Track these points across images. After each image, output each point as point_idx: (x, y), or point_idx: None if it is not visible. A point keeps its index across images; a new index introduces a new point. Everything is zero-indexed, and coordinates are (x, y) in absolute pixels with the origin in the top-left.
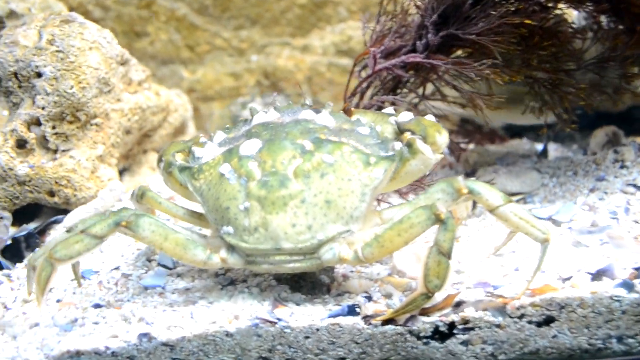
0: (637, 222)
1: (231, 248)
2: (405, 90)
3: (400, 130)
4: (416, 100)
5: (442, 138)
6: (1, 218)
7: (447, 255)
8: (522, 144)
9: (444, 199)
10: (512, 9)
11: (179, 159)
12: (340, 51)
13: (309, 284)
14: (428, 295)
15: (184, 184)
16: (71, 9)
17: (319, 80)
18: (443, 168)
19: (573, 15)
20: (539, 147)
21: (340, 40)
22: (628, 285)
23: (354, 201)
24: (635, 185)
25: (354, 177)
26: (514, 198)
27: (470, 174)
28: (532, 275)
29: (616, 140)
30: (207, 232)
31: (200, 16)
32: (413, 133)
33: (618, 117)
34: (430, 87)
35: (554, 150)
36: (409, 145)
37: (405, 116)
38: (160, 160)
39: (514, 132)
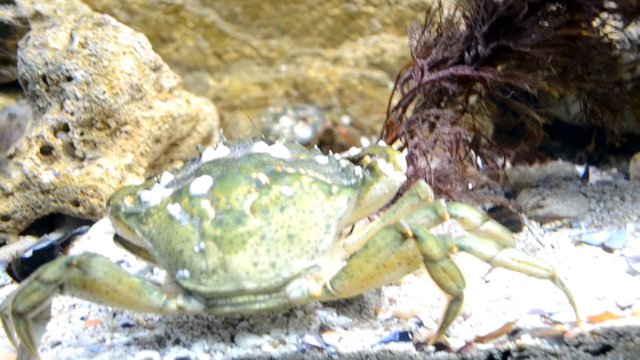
0: None
1: (188, 293)
2: (449, 103)
3: (355, 162)
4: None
5: (402, 159)
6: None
7: (444, 257)
8: (563, 167)
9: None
10: (567, 20)
11: (128, 202)
12: (373, 64)
13: (356, 306)
14: (458, 298)
15: (133, 229)
16: (96, 11)
17: (350, 93)
18: (482, 188)
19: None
20: (580, 169)
21: (373, 53)
22: None
23: (318, 234)
24: None
25: (317, 209)
26: (559, 222)
27: (510, 194)
28: (574, 309)
29: None
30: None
31: (229, 23)
32: (372, 156)
33: None
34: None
35: (592, 173)
36: (371, 168)
37: (355, 150)
38: (108, 204)
39: (547, 151)
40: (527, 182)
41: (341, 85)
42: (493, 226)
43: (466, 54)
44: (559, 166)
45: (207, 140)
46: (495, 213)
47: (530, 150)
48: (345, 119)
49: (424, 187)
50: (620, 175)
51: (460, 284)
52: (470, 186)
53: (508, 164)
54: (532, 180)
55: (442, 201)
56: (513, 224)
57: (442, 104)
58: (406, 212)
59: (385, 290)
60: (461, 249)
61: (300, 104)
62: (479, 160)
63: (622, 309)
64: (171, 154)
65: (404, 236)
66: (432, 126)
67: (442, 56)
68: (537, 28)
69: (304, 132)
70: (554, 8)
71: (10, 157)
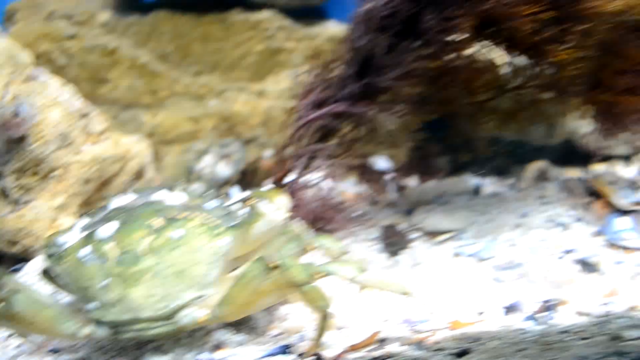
0: (551, 256)
1: (97, 322)
2: (336, 137)
3: (245, 203)
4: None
5: (283, 199)
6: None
7: (308, 282)
8: (458, 181)
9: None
10: (425, 53)
11: (54, 243)
12: (295, 96)
13: (251, 324)
14: (326, 315)
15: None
16: (37, 56)
17: (274, 124)
18: (386, 207)
19: None
20: (481, 182)
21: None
22: (535, 318)
23: (204, 269)
24: (553, 221)
25: (203, 248)
26: (446, 236)
27: (408, 212)
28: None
29: (545, 175)
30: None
31: (161, 63)
32: (257, 198)
33: (553, 151)
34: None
35: (491, 184)
36: (254, 209)
37: (245, 193)
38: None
39: (458, 165)
40: (424, 198)
41: (265, 117)
42: (350, 258)
43: (343, 92)
44: (456, 181)
45: (139, 175)
46: (385, 232)
47: (429, 167)
48: (267, 152)
49: (294, 226)
50: (515, 185)
51: (325, 303)
52: (357, 212)
53: (415, 182)
54: (428, 197)
55: (308, 233)
56: (399, 242)
57: (331, 138)
58: (281, 245)
59: (278, 308)
60: (327, 273)
61: (225, 141)
62: (385, 184)
63: (479, 314)
64: (103, 192)
65: (271, 266)
66: (315, 160)
67: (324, 95)
68: (397, 62)
69: (225, 169)
70: (414, 44)
71: None
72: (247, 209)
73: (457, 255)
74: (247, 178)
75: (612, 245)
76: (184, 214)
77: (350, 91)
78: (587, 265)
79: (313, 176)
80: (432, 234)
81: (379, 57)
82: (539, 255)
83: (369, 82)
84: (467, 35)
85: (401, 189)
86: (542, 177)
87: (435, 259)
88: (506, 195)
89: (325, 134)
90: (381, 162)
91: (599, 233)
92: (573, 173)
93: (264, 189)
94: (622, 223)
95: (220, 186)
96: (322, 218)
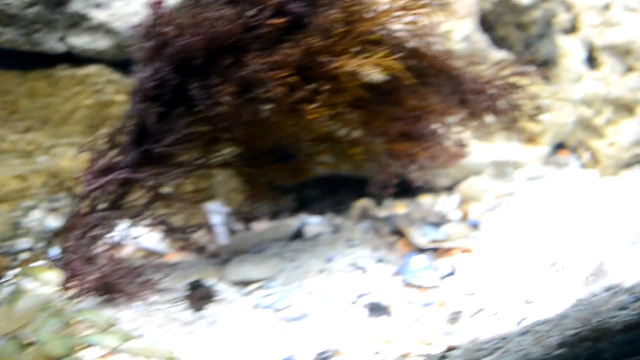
0: (344, 302)
1: None
2: (130, 200)
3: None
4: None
5: (50, 274)
6: None
7: (67, 355)
8: (283, 225)
9: None
10: (197, 118)
11: None
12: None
13: None
14: None
15: None
16: None
17: None
18: (210, 258)
19: None
20: (303, 223)
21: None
22: None
23: None
24: (355, 265)
25: None
26: (254, 286)
27: (226, 261)
28: None
29: (367, 213)
30: None
31: None
32: (23, 275)
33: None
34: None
35: (317, 225)
36: (17, 286)
37: (14, 271)
38: None
39: (300, 204)
40: (243, 246)
41: None
42: (117, 329)
43: (127, 159)
44: (279, 225)
45: None
46: (191, 287)
47: (257, 211)
48: None
49: (54, 302)
50: (341, 225)
51: None
52: (155, 273)
53: (242, 226)
54: (246, 245)
55: (70, 310)
56: (204, 297)
57: (124, 201)
58: (44, 321)
59: None
60: (88, 344)
61: (56, 196)
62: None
63: None
64: None
65: (25, 344)
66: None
67: (114, 161)
68: (171, 129)
69: (55, 221)
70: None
71: None
72: (10, 287)
73: (256, 307)
74: None
75: (408, 285)
76: None
77: (132, 158)
78: (378, 309)
79: (105, 242)
80: (242, 284)
81: (153, 125)
82: (332, 302)
83: (148, 148)
84: (231, 98)
85: (233, 234)
86: (364, 215)
87: (236, 313)
88: (321, 239)
89: (118, 199)
90: (213, 210)
91: (398, 273)
92: (401, 207)
93: (34, 264)
94: (418, 262)
95: (50, 239)
96: (115, 284)
